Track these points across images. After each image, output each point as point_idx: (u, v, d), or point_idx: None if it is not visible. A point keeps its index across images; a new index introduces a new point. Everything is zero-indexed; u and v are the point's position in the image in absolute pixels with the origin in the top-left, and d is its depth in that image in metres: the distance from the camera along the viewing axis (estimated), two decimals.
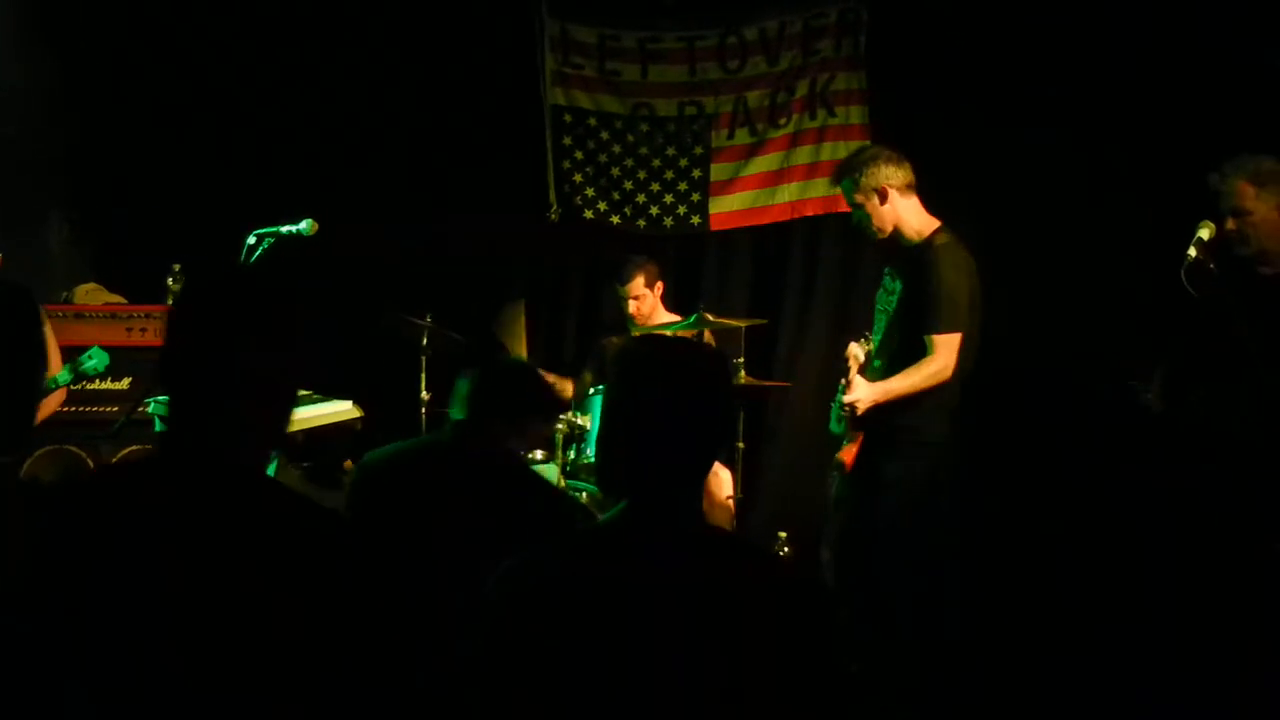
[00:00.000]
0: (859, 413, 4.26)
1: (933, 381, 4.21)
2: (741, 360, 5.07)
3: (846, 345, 4.54)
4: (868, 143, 5.83)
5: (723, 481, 5.37)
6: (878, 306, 4.53)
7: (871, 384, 4.29)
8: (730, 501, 5.28)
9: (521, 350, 5.95)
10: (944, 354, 4.21)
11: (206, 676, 1.66)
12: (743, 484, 5.35)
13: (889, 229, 4.37)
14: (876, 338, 4.45)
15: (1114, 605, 4.29)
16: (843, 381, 4.35)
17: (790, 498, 5.85)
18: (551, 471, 5.18)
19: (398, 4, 6.16)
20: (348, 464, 5.67)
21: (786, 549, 5.16)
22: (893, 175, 4.35)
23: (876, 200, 4.34)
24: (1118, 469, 4.11)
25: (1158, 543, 3.75)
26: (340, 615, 1.73)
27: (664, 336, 2.40)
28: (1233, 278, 3.67)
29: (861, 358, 4.39)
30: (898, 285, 4.41)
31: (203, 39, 6.05)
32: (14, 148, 6.00)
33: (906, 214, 4.37)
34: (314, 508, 1.84)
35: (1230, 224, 3.70)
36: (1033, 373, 5.26)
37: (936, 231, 4.36)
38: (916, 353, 4.24)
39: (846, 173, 4.45)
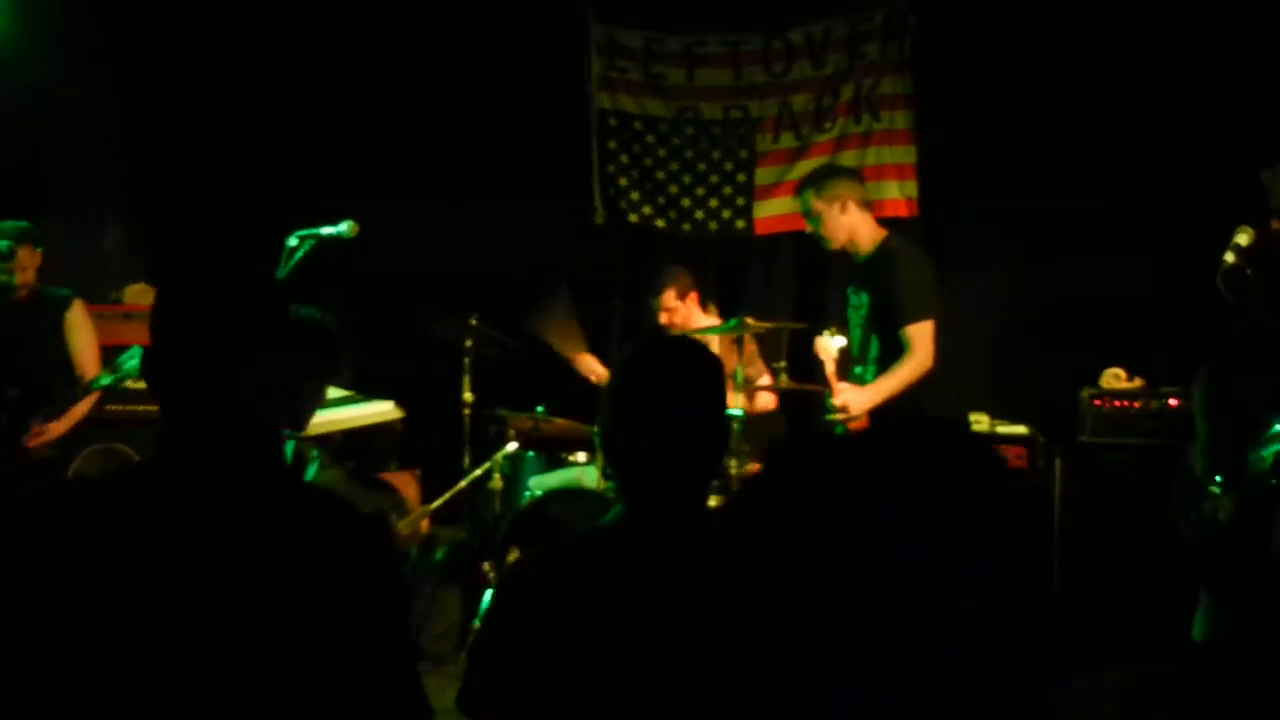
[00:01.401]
0: (852, 415, 4.38)
1: (919, 371, 4.35)
2: (784, 364, 5.04)
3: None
4: (912, 147, 5.87)
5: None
6: (850, 323, 4.68)
7: (861, 388, 4.44)
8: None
9: (575, 350, 5.83)
10: (922, 343, 4.36)
11: (203, 682, 1.63)
12: None
13: (843, 238, 4.57)
14: (855, 349, 4.59)
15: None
16: (826, 390, 4.42)
17: None
18: (591, 474, 5.18)
19: (445, 9, 6.20)
20: (392, 468, 5.70)
21: None
22: (854, 189, 4.58)
23: (837, 209, 4.53)
24: None
25: None
26: (348, 616, 1.69)
27: (663, 341, 2.39)
28: (1276, 280, 3.60)
29: (834, 352, 4.45)
30: (864, 298, 4.59)
31: (258, 45, 6.13)
32: (72, 155, 6.12)
33: (861, 226, 4.57)
34: (328, 504, 1.79)
35: (1276, 224, 3.62)
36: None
37: (887, 237, 4.58)
38: (897, 352, 4.40)
39: (810, 183, 4.67)
